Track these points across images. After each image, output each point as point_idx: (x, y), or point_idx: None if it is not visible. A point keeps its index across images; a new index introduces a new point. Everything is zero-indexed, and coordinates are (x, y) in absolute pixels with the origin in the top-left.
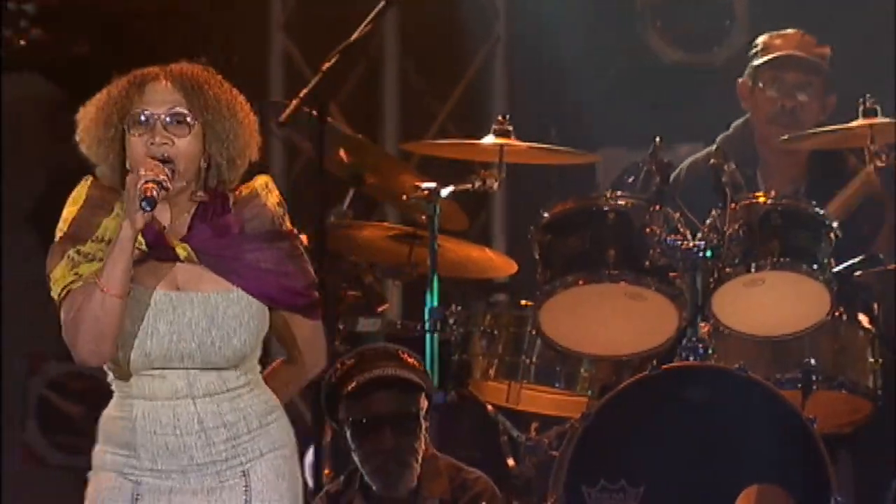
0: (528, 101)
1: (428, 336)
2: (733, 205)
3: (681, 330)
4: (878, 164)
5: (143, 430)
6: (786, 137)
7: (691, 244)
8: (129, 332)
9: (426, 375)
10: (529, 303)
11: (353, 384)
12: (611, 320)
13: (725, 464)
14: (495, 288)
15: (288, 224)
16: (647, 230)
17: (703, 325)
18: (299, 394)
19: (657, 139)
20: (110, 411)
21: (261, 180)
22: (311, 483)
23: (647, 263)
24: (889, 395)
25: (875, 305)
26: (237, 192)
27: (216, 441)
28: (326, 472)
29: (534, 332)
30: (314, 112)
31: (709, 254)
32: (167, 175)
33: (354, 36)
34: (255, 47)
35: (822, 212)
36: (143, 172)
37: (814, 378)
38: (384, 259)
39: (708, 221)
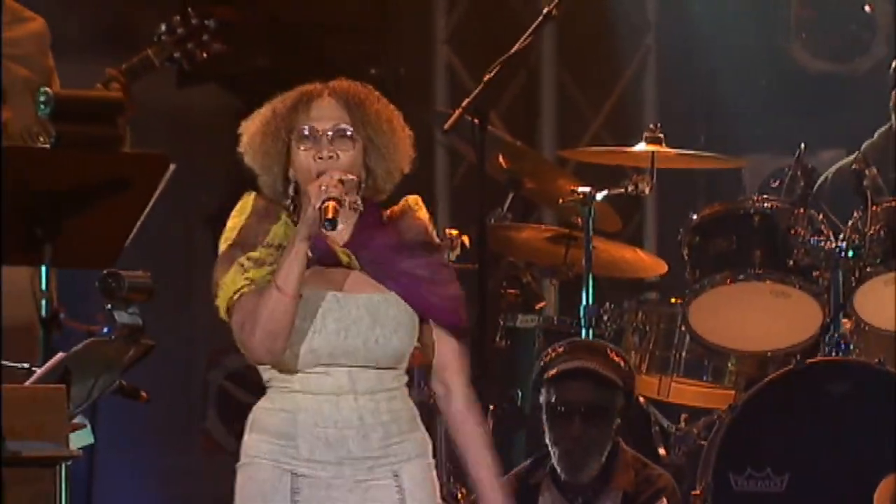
0: (678, 110)
1: (583, 332)
2: (874, 207)
3: (824, 326)
4: None
5: (304, 423)
6: None
7: (834, 244)
8: (298, 330)
9: (629, 375)
10: (679, 300)
11: (555, 371)
12: (757, 317)
13: (865, 454)
14: (646, 286)
15: (437, 239)
16: (792, 231)
17: (845, 321)
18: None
19: (802, 145)
20: (266, 404)
21: (412, 199)
22: None
23: (791, 263)
24: None
25: None
26: (388, 212)
27: (372, 437)
28: None
29: (683, 329)
30: (476, 120)
31: (851, 254)
32: (343, 192)
33: (514, 48)
34: (421, 60)
35: None
36: (323, 188)
37: None
38: (541, 259)
39: (850, 223)
